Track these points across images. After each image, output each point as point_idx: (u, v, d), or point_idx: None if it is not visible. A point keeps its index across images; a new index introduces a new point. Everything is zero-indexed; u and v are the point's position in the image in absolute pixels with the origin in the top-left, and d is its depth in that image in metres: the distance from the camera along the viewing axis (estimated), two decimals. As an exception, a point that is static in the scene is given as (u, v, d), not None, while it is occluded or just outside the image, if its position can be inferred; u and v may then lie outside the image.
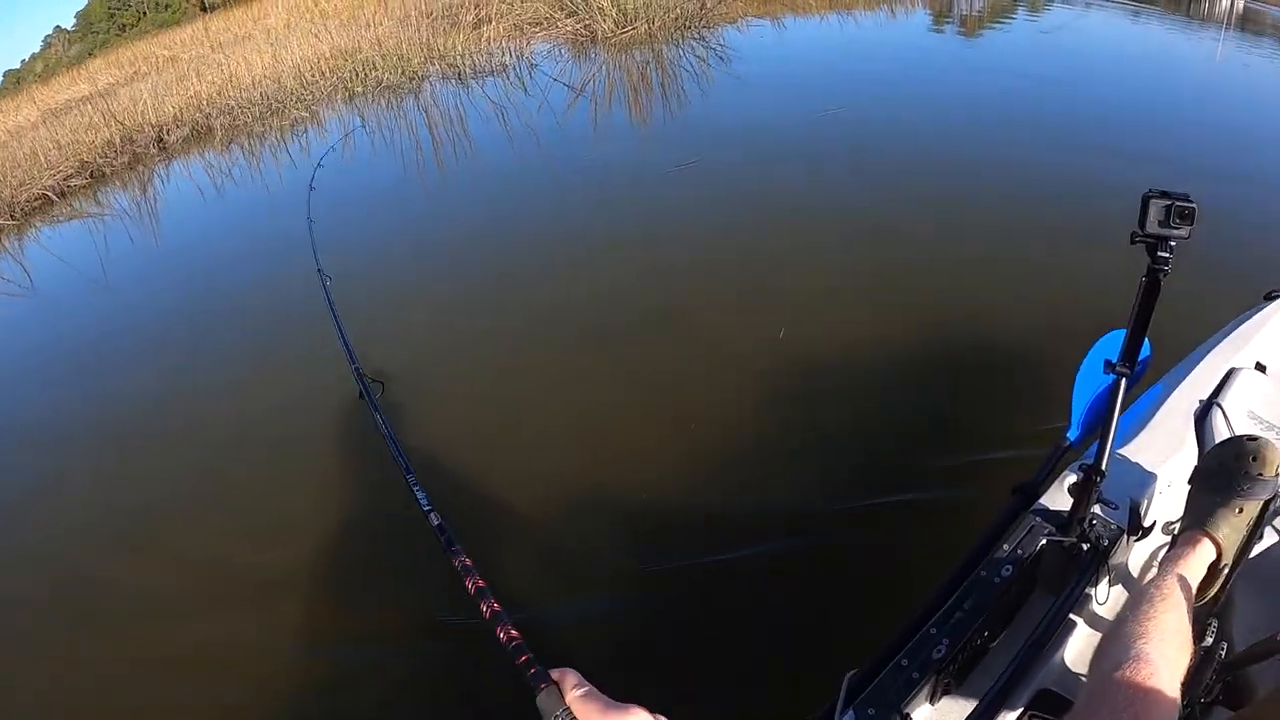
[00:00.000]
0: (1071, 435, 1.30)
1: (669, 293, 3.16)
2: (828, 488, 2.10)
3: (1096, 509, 1.17)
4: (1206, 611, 1.09)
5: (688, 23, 8.27)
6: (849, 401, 2.38)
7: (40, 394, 3.67)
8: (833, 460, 2.22)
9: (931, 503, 1.98)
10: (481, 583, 0.83)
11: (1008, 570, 1.06)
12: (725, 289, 3.13)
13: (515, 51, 7.76)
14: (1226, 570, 1.05)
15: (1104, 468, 1.09)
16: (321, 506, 2.38)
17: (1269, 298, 1.99)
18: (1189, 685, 1.01)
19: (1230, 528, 1.05)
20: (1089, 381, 1.18)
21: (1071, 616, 1.12)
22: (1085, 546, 1.12)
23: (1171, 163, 4.94)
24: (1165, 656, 0.81)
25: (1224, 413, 1.44)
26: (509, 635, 0.72)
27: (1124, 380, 1.08)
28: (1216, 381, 1.58)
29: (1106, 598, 1.16)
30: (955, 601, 1.02)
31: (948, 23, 12.16)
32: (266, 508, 2.48)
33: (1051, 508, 1.19)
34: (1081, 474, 1.11)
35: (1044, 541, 1.12)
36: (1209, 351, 1.72)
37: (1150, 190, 0.96)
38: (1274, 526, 1.29)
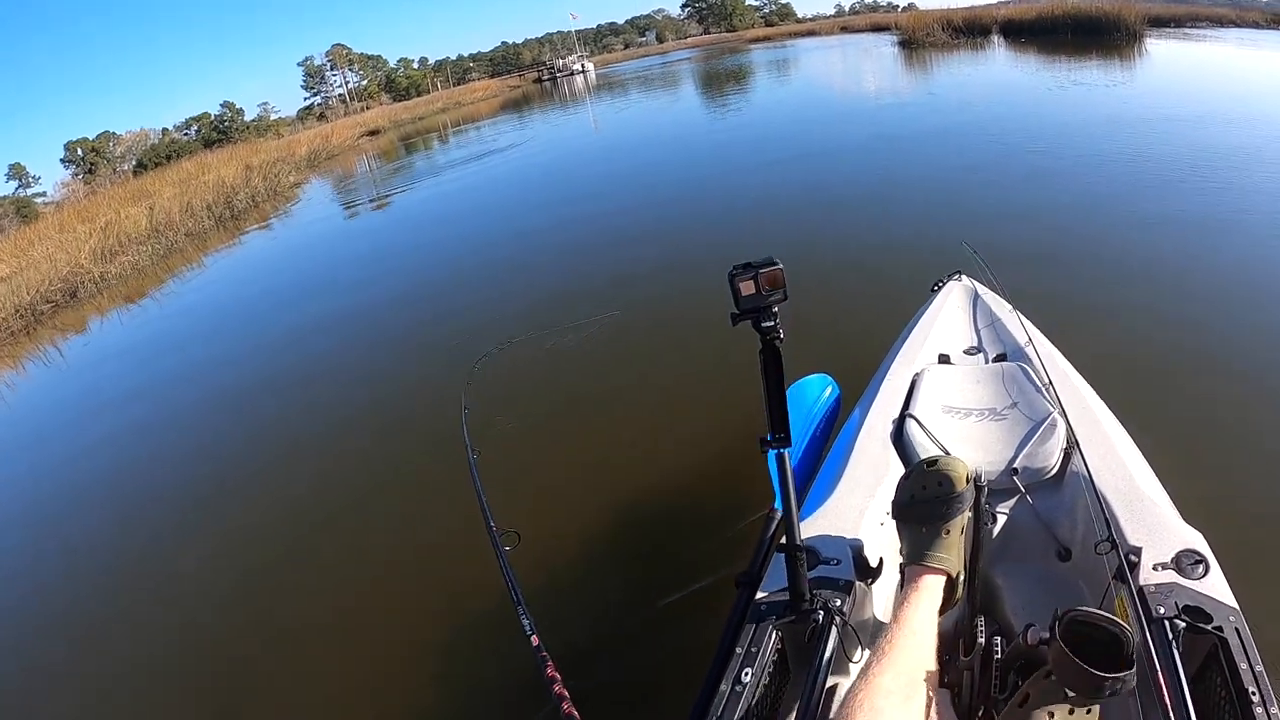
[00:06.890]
0: (778, 505, 1.24)
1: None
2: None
3: (818, 571, 1.13)
4: (969, 613, 1.06)
5: None
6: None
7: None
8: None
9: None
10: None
11: (747, 675, 1.02)
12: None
13: None
14: (963, 576, 1.04)
15: (798, 541, 1.06)
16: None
17: (935, 289, 1.97)
18: (980, 695, 0.98)
19: (946, 550, 1.02)
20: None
21: (833, 682, 1.09)
22: (819, 616, 1.07)
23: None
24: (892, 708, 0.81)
25: (918, 422, 1.40)
26: None
27: (785, 451, 1.05)
28: (905, 392, 1.53)
29: (861, 651, 1.10)
30: None
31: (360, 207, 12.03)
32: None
33: (775, 589, 1.14)
34: (785, 554, 1.08)
35: (774, 630, 1.08)
36: (892, 362, 1.66)
37: (732, 269, 0.92)
38: (1001, 510, 1.29)
